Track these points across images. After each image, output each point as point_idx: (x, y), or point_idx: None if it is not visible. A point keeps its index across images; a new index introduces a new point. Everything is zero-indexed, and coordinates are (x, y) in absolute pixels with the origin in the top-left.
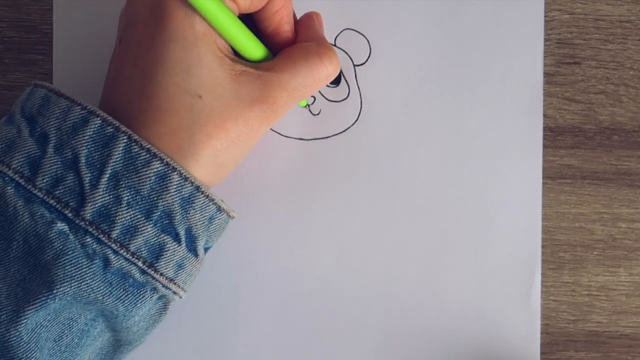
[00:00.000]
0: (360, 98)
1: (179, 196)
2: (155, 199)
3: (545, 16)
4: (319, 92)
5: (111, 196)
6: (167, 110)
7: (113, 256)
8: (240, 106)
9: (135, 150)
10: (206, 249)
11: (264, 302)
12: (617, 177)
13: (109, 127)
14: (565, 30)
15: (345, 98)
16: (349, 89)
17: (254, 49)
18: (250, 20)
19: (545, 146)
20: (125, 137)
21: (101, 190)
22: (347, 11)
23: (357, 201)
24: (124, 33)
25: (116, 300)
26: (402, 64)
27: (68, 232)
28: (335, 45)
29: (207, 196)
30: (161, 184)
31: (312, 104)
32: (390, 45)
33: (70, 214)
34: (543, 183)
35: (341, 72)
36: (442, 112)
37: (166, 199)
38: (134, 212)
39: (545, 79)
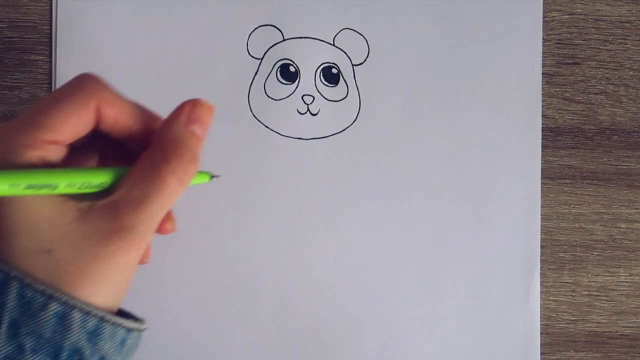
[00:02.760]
0: (359, 98)
1: (84, 331)
2: (59, 339)
3: (544, 16)
4: (318, 92)
5: (13, 346)
6: (24, 272)
7: None
8: (96, 245)
9: (29, 294)
10: None
11: (263, 302)
12: (617, 178)
13: None
14: (565, 30)
15: (344, 98)
16: (347, 88)
17: (93, 180)
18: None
19: (545, 146)
20: (16, 283)
21: (2, 341)
22: (346, 11)
23: (356, 200)
24: None
25: None
26: (400, 63)
27: None
28: (334, 45)
29: (114, 323)
30: (63, 323)
31: (312, 103)
32: (389, 45)
33: None
34: (543, 183)
35: (340, 71)
36: (440, 112)
37: (71, 337)
38: (40, 356)
39: (545, 80)
